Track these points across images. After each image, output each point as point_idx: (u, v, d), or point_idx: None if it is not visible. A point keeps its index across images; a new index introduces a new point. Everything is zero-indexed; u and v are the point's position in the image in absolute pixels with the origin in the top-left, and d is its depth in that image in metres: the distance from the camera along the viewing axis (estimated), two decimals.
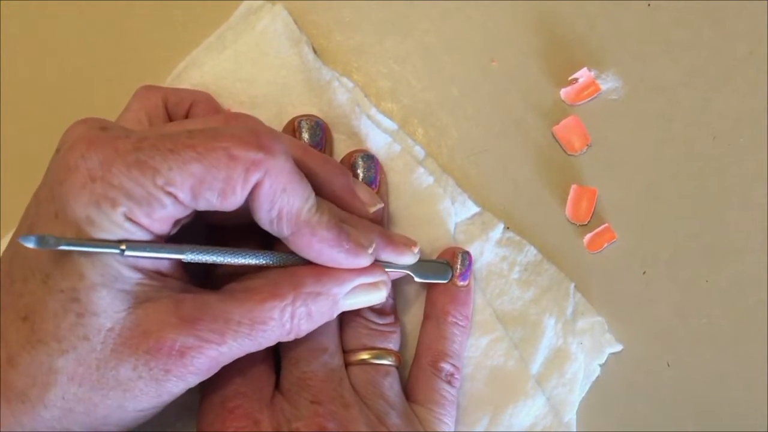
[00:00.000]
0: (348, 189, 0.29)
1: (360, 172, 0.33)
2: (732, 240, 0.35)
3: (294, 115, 0.33)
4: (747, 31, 0.36)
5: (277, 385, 0.29)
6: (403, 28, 0.36)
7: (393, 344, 0.31)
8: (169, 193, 0.23)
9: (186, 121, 0.28)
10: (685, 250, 0.35)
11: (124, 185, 0.23)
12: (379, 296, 0.29)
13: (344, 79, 0.35)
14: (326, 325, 0.29)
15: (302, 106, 0.34)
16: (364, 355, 0.30)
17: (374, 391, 0.30)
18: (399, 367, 0.32)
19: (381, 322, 0.31)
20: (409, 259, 0.30)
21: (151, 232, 0.24)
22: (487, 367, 0.33)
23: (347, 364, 0.30)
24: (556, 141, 0.36)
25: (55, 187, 0.23)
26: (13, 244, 0.25)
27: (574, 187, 0.35)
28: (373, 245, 0.28)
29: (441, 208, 0.34)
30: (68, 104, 0.35)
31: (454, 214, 0.34)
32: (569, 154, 0.36)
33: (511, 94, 0.36)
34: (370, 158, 0.33)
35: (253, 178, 0.24)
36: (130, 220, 0.23)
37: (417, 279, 0.32)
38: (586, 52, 0.36)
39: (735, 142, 0.36)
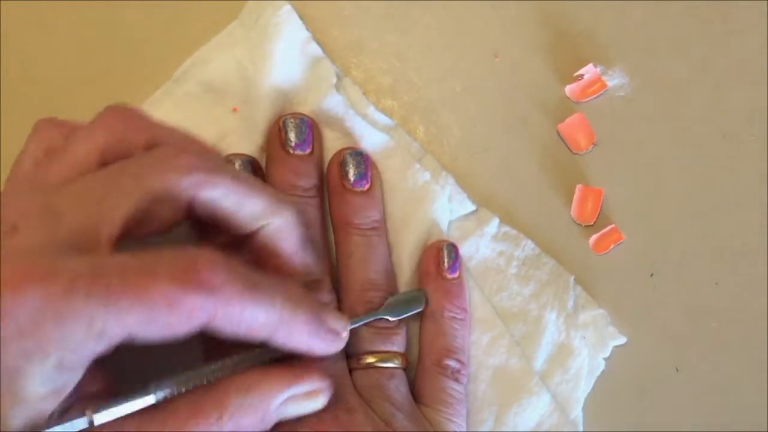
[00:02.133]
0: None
1: (350, 169, 0.32)
2: (743, 241, 0.35)
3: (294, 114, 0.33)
4: (758, 25, 0.36)
5: None
6: (404, 23, 0.36)
7: (398, 346, 0.31)
8: (106, 339, 0.22)
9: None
10: (695, 251, 0.35)
11: (56, 338, 0.21)
12: (314, 405, 0.27)
13: (344, 78, 0.35)
14: None
15: (300, 105, 0.33)
16: (369, 359, 0.30)
17: (380, 395, 0.29)
18: (406, 368, 0.31)
19: (383, 324, 0.31)
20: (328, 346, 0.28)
21: (82, 367, 0.22)
22: (490, 365, 0.33)
23: (352, 369, 0.30)
24: (561, 139, 0.35)
25: None
26: None
27: (579, 186, 0.35)
28: (347, 329, 0.28)
29: (436, 207, 0.34)
30: (72, 101, 0.34)
31: (450, 212, 0.34)
32: (574, 153, 0.35)
33: (515, 91, 0.35)
34: (359, 155, 0.32)
35: (198, 321, 0.23)
36: (62, 365, 0.22)
37: (392, 318, 0.31)
38: (592, 48, 0.36)
39: (746, 140, 0.35)
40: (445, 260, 0.32)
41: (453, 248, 0.33)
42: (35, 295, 0.20)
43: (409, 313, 0.32)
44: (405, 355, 0.31)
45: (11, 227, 0.22)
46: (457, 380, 0.31)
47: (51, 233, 0.22)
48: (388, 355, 0.30)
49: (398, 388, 0.30)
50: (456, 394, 0.31)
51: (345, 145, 0.33)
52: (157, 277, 0.22)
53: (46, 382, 0.21)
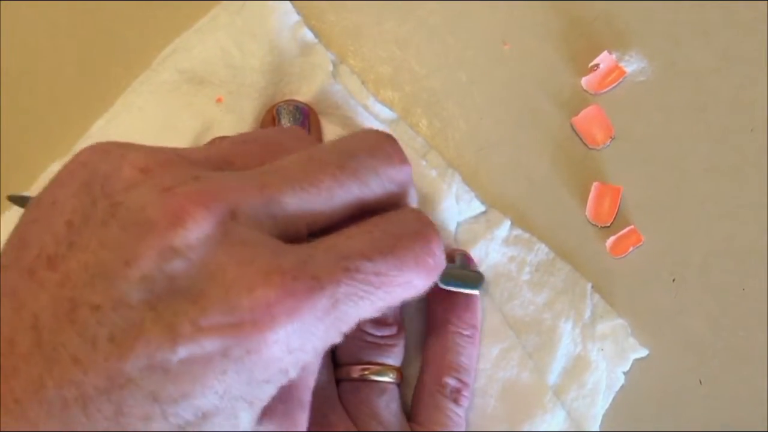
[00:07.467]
0: None
1: None
2: None
3: None
4: None
5: None
6: (405, 8, 0.35)
7: (393, 359, 0.30)
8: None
9: None
10: (720, 254, 0.34)
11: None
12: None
13: (340, 65, 0.34)
14: None
15: (293, 95, 0.33)
16: (359, 371, 0.29)
17: (367, 411, 0.28)
18: (400, 384, 0.30)
19: (380, 334, 0.30)
20: None
21: None
22: (499, 379, 0.32)
23: (340, 380, 0.29)
24: (576, 133, 0.35)
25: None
26: None
27: (595, 184, 0.34)
28: None
29: (444, 207, 0.33)
30: (50, 90, 0.34)
31: (458, 213, 0.33)
32: (590, 148, 0.34)
33: (526, 82, 0.35)
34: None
35: None
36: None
37: (440, 285, 0.29)
38: (607, 34, 0.35)
39: None
40: None
41: (464, 258, 0.32)
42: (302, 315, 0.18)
43: (460, 289, 0.30)
44: (400, 370, 0.30)
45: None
46: (455, 401, 0.30)
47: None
48: (382, 369, 0.29)
49: (388, 405, 0.29)
50: (453, 416, 0.30)
51: None
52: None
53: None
